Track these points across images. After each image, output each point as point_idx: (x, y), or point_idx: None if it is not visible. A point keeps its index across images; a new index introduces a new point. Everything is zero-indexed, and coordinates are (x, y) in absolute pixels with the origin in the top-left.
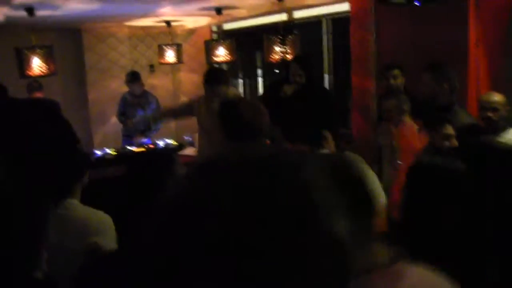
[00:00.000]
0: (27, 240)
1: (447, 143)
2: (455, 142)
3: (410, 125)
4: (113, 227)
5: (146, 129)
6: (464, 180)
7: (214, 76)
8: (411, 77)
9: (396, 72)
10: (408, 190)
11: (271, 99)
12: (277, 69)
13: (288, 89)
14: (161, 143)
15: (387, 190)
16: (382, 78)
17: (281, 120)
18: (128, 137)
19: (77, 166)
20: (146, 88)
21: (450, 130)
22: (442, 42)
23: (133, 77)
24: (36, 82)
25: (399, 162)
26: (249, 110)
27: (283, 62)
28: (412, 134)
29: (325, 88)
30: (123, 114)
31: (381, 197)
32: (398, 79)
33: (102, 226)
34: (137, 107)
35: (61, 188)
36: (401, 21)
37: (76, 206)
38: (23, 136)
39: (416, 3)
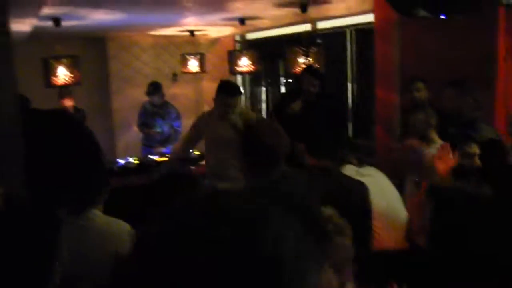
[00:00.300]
0: (38, 256)
1: (470, 162)
2: (477, 162)
3: (436, 142)
4: (130, 236)
5: (166, 140)
6: (493, 206)
7: (228, 87)
8: (436, 91)
9: (420, 85)
10: (435, 217)
11: (284, 112)
12: (290, 79)
13: (295, 106)
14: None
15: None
16: (406, 91)
17: (302, 137)
18: (149, 147)
19: (100, 177)
20: (169, 97)
21: (473, 148)
22: (470, 56)
23: (155, 88)
24: (67, 88)
25: (421, 180)
26: (270, 136)
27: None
28: (439, 152)
29: (338, 98)
30: (144, 124)
31: (401, 212)
32: (421, 92)
33: (123, 236)
34: (156, 116)
35: (83, 199)
36: (426, 34)
37: (97, 216)
38: (45, 147)
39: (442, 17)
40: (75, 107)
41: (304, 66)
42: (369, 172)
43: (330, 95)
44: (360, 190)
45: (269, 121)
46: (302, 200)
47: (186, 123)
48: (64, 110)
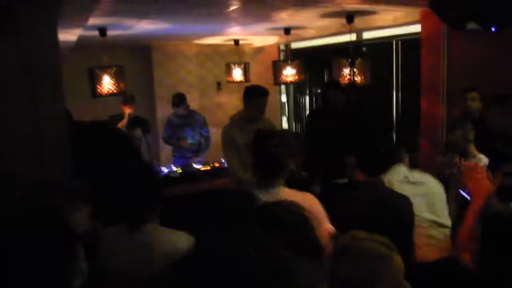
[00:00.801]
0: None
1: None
2: None
3: (476, 155)
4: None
5: (198, 149)
6: None
7: (260, 89)
8: (484, 105)
9: (475, 94)
10: (486, 242)
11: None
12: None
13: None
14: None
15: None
16: (460, 99)
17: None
18: (180, 157)
19: (154, 189)
20: (213, 105)
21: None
22: None
23: (180, 100)
24: (130, 94)
25: (464, 194)
26: (277, 143)
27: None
28: (478, 168)
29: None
30: (171, 137)
31: (446, 222)
32: (475, 102)
33: (186, 247)
34: (185, 127)
35: (138, 212)
36: (475, 46)
37: (158, 230)
38: (93, 161)
39: (492, 29)
40: (134, 116)
41: (349, 77)
42: (419, 179)
43: (356, 105)
44: (404, 205)
45: (284, 131)
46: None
47: None
48: (105, 122)
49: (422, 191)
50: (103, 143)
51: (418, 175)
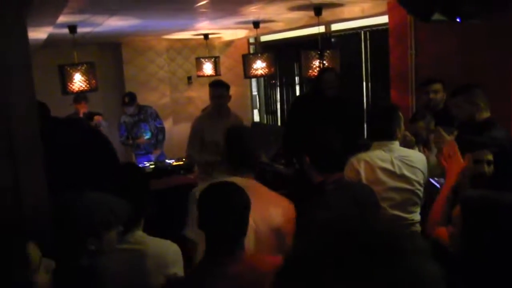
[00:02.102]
0: None
1: (480, 168)
2: (489, 169)
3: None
4: (181, 256)
5: (156, 142)
6: None
7: (218, 81)
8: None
9: (437, 86)
10: (467, 226)
11: (301, 114)
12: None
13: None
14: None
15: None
16: (423, 92)
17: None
18: (143, 155)
19: (144, 196)
20: (184, 100)
21: (486, 155)
22: (485, 59)
23: (131, 99)
24: (83, 93)
25: (434, 182)
26: (251, 139)
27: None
28: (447, 150)
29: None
30: (128, 137)
31: None
32: (438, 94)
33: (177, 257)
34: (140, 123)
35: (132, 219)
36: (442, 36)
37: (147, 239)
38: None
39: (457, 20)
40: (89, 112)
41: (318, 68)
42: None
43: (347, 100)
44: (370, 193)
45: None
46: None
47: None
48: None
49: None
50: (83, 142)
51: None
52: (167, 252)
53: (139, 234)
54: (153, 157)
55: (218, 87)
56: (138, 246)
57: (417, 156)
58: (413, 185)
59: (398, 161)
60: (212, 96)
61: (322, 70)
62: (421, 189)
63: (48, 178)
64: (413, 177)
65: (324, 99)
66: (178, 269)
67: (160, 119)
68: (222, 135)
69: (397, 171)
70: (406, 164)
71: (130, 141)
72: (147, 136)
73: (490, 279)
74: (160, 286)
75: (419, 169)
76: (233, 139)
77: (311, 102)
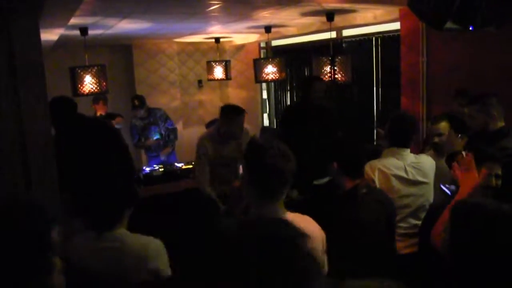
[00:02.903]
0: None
1: (488, 182)
2: (496, 182)
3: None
4: (165, 251)
5: (167, 142)
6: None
7: (233, 108)
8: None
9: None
10: (453, 230)
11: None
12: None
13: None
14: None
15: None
16: (453, 101)
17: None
18: (154, 157)
19: (130, 194)
20: (194, 103)
21: (491, 168)
22: (499, 67)
23: (141, 102)
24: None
25: (445, 189)
26: (278, 158)
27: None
28: (464, 163)
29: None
30: (140, 139)
31: None
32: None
33: (158, 253)
34: (150, 126)
35: (111, 218)
36: (454, 44)
37: (127, 236)
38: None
39: (470, 29)
40: (109, 114)
41: (330, 75)
42: None
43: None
44: (390, 204)
45: (277, 143)
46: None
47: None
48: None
49: None
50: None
51: None
52: (146, 247)
53: (120, 232)
54: (162, 157)
55: (241, 114)
56: (117, 243)
57: (427, 161)
58: (425, 190)
59: (410, 167)
60: (234, 124)
61: (313, 78)
62: (432, 193)
63: (63, 169)
64: (425, 180)
65: (313, 107)
66: (160, 264)
67: (170, 119)
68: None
69: (411, 177)
70: (419, 169)
71: (141, 142)
72: (154, 137)
73: (477, 284)
74: (142, 281)
75: (429, 173)
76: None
77: (303, 112)
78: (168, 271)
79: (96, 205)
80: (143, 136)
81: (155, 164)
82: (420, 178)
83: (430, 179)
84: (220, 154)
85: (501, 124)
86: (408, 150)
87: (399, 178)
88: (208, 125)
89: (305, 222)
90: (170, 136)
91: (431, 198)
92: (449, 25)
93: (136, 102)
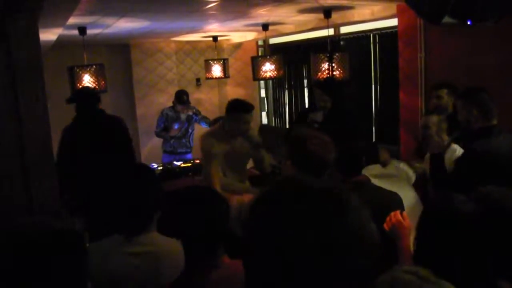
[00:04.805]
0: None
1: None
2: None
3: (450, 147)
4: None
5: (184, 133)
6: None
7: (242, 104)
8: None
9: (441, 92)
10: (418, 229)
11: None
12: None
13: (314, 116)
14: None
15: None
16: (431, 96)
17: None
18: (170, 153)
19: (157, 196)
20: (193, 102)
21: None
22: (497, 62)
23: (188, 98)
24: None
25: None
26: (320, 147)
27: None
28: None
29: (349, 111)
30: (165, 129)
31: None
32: (443, 100)
33: (181, 254)
34: (175, 121)
35: (141, 221)
36: (452, 39)
37: (159, 239)
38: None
39: (468, 23)
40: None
41: (327, 72)
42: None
43: (344, 111)
44: (395, 201)
45: (318, 133)
46: None
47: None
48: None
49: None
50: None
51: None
52: (176, 249)
53: (152, 235)
54: (173, 133)
55: (250, 111)
56: (153, 247)
57: None
58: None
59: None
60: (242, 122)
61: (314, 85)
62: None
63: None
64: None
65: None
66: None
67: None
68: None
69: None
70: None
71: (164, 132)
72: (176, 127)
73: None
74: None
75: None
76: None
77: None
78: None
79: (127, 208)
80: (169, 126)
81: (167, 160)
82: None
83: None
84: (227, 151)
85: (488, 123)
86: None
87: None
88: (213, 122)
89: None
90: (199, 115)
91: None
92: (446, 19)
93: (184, 98)
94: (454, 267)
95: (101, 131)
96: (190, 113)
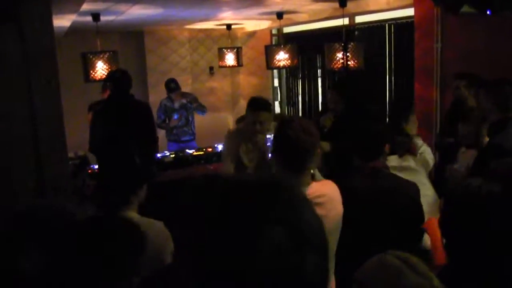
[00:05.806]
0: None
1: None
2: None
3: None
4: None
5: (186, 122)
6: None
7: (265, 103)
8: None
9: (459, 83)
10: (445, 213)
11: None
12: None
13: (325, 121)
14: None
15: None
16: (450, 87)
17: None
18: (174, 142)
19: (137, 175)
20: (205, 90)
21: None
22: None
23: (177, 84)
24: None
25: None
26: (298, 130)
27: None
28: None
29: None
30: (165, 120)
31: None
32: (459, 91)
33: (162, 237)
34: (173, 111)
35: (119, 199)
36: (469, 29)
37: (136, 220)
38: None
39: (487, 13)
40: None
41: (342, 62)
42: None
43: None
44: (413, 190)
45: (301, 119)
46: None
47: (223, 116)
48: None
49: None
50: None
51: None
52: (154, 232)
53: (132, 216)
54: (172, 124)
55: (264, 110)
56: None
57: None
58: None
59: None
60: (255, 122)
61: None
62: None
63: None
64: None
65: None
66: (166, 248)
67: (198, 101)
68: None
69: None
70: None
71: (165, 123)
72: (175, 118)
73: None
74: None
75: None
76: None
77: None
78: None
79: (110, 178)
80: (169, 117)
81: (172, 149)
82: None
83: None
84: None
85: (504, 115)
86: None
87: None
88: (238, 120)
89: (327, 185)
90: (193, 104)
91: None
92: (465, 9)
93: (172, 85)
94: (485, 247)
95: (129, 116)
96: (184, 101)
